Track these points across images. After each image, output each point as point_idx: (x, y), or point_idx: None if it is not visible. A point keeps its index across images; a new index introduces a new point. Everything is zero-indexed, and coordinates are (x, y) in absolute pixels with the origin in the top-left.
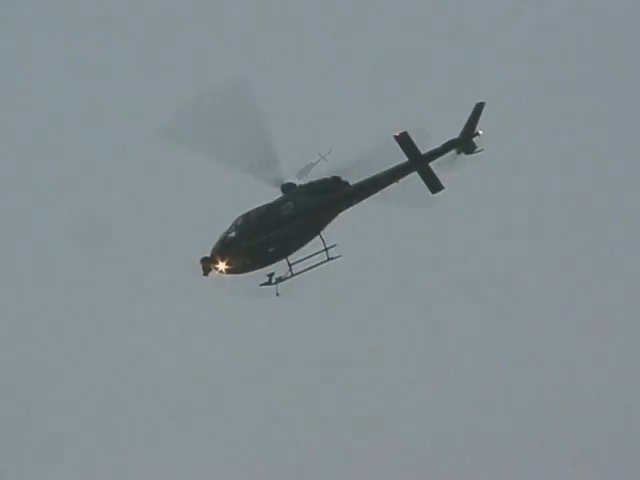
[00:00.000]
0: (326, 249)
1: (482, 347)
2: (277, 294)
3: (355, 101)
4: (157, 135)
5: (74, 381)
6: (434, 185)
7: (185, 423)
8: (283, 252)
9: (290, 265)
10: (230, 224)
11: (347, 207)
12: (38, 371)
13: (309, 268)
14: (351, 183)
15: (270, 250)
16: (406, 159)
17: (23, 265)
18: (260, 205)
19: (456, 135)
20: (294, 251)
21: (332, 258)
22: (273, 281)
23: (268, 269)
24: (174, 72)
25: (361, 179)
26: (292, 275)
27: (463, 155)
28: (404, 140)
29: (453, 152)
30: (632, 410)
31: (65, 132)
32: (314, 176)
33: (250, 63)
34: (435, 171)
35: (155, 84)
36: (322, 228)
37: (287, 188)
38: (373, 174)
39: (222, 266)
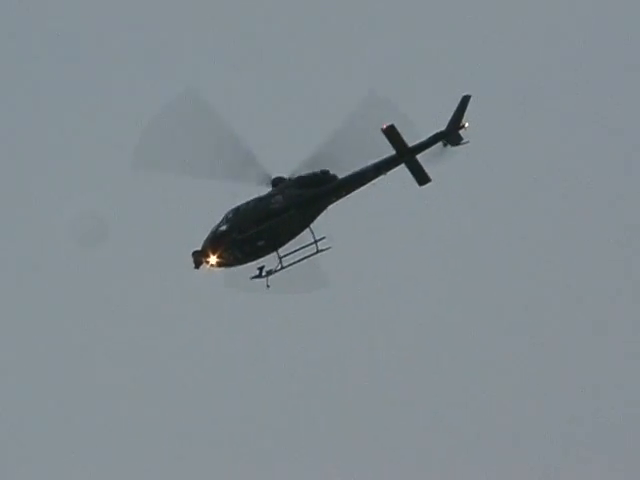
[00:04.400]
0: (315, 241)
1: (481, 342)
2: (267, 286)
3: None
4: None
5: (72, 380)
6: (422, 178)
7: (178, 421)
8: (273, 245)
9: (280, 258)
10: (221, 218)
11: (336, 200)
12: (35, 370)
13: (299, 260)
14: (339, 176)
15: (260, 243)
16: (393, 152)
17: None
18: (250, 199)
19: (443, 128)
20: (284, 244)
21: (322, 250)
22: (264, 274)
23: (259, 262)
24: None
25: (349, 172)
26: (282, 268)
27: (450, 147)
28: (391, 132)
29: (440, 144)
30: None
31: (64, 131)
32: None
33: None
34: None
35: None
36: (312, 221)
37: (277, 182)
38: (361, 167)
39: (213, 259)
